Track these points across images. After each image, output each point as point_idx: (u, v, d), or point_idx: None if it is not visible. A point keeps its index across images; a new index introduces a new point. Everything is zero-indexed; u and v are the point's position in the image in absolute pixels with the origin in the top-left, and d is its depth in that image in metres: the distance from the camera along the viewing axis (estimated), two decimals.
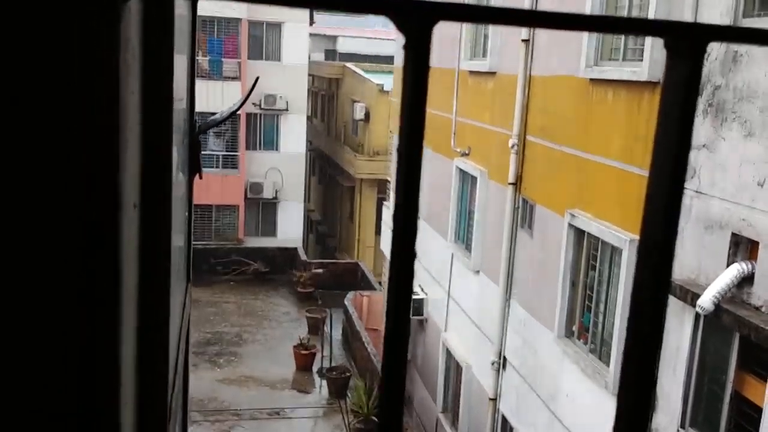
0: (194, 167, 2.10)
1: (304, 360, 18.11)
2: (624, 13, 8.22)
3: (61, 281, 0.54)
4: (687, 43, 0.37)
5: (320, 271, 23.77)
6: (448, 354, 13.34)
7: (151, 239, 0.87)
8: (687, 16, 6.84)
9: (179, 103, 1.50)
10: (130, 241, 0.73)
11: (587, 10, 8.61)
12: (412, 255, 0.39)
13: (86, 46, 0.46)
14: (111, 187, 0.50)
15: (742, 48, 6.19)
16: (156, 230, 0.89)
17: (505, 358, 11.02)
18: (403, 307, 0.40)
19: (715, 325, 6.39)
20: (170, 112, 0.97)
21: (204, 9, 23.82)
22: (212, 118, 2.45)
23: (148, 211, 0.85)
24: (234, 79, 25.34)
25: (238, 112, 25.33)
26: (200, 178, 2.21)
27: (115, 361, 0.61)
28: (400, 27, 0.34)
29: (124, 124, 0.51)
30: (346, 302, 19.67)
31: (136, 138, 0.77)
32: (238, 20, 25.44)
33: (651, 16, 7.36)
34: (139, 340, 0.97)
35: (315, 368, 18.17)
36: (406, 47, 0.35)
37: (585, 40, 8.67)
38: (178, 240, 1.62)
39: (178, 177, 1.51)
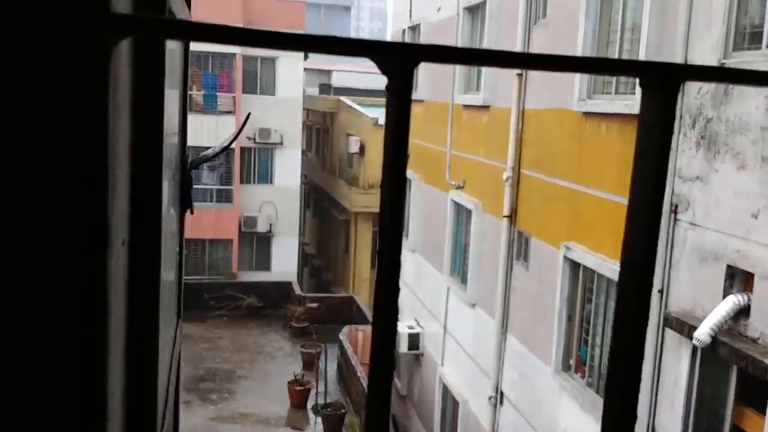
0: (185, 202, 2.09)
1: (298, 396, 17.91)
2: (616, 47, 8.33)
3: (46, 318, 0.53)
4: (661, 82, 0.37)
5: (315, 305, 23.65)
6: (445, 389, 13.22)
7: (140, 275, 0.86)
8: (678, 50, 6.93)
9: (171, 138, 1.50)
10: (118, 277, 0.72)
11: (579, 44, 8.72)
12: (395, 298, 0.38)
13: (76, 87, 0.46)
14: (100, 224, 0.50)
15: None
16: (145, 267, 0.89)
17: (502, 393, 10.92)
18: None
19: (713, 358, 6.36)
20: (160, 150, 0.97)
21: (198, 44, 24.01)
22: (204, 153, 2.45)
23: (137, 248, 0.84)
24: (229, 113, 25.49)
25: (233, 146, 25.42)
26: (191, 213, 2.20)
27: (102, 400, 0.59)
28: (383, 69, 0.33)
29: (113, 162, 0.51)
30: (341, 337, 19.53)
31: (126, 175, 0.77)
32: (232, 55, 25.68)
33: (642, 49, 7.46)
34: (128, 377, 0.95)
35: (310, 405, 17.95)
36: (388, 88, 0.34)
37: (577, 74, 8.77)
38: (168, 276, 1.61)
39: (170, 212, 1.51)
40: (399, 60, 0.33)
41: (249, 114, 3.15)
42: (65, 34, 0.45)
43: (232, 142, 2.59)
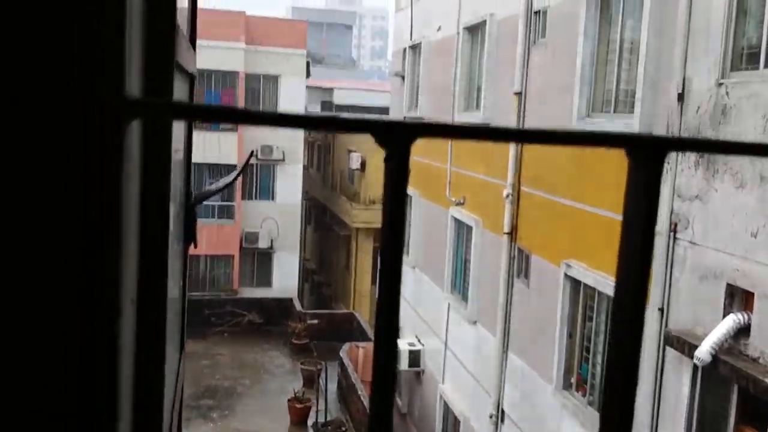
0: (189, 237, 2.12)
1: (298, 414, 17.83)
2: (614, 66, 8.38)
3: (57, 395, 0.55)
4: (647, 153, 0.39)
5: (315, 321, 23.59)
6: (446, 406, 13.17)
7: (146, 333, 0.89)
8: (676, 70, 6.98)
9: (176, 176, 1.53)
10: (127, 333, 0.74)
11: (578, 63, 8.78)
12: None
13: (91, 164, 0.49)
14: (112, 285, 0.52)
15: (731, 100, 6.31)
16: (151, 326, 0.91)
17: (503, 411, 10.88)
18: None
19: (714, 377, 6.35)
20: (167, 211, 1.01)
21: (201, 62, 24.14)
22: (207, 188, 2.48)
23: (144, 305, 0.87)
24: (231, 130, 25.58)
25: (235, 162, 25.49)
26: (195, 247, 2.22)
27: None
28: (382, 143, 0.36)
29: (125, 228, 0.53)
30: (341, 354, 19.48)
31: (135, 236, 0.79)
32: (235, 73, 25.82)
33: (641, 69, 7.51)
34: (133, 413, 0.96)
35: (310, 422, 17.87)
36: (386, 161, 0.37)
37: (576, 92, 8.83)
38: (173, 311, 1.63)
39: (173, 248, 1.53)
40: (397, 136, 0.36)
41: (252, 151, 3.20)
42: (81, 116, 0.48)
43: (235, 179, 2.63)
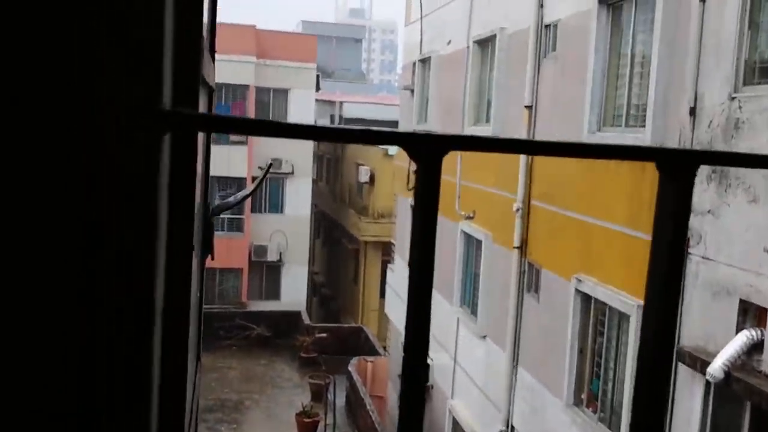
0: (207, 249, 2.12)
1: (306, 428, 17.75)
2: (626, 80, 8.37)
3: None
4: (678, 166, 0.38)
5: (324, 335, 23.54)
6: (455, 422, 13.08)
7: (170, 344, 0.88)
8: (688, 84, 6.95)
9: (196, 192, 1.53)
10: (154, 346, 0.75)
11: (589, 78, 8.77)
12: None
13: (129, 176, 0.49)
14: (147, 295, 0.52)
15: (744, 114, 6.28)
16: (175, 337, 0.91)
17: (513, 427, 10.79)
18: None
19: (726, 394, 6.28)
20: (191, 223, 1.01)
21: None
22: (226, 201, 2.49)
23: (168, 317, 0.87)
24: (241, 143, 25.69)
25: (244, 175, 25.59)
26: (212, 259, 2.22)
27: None
28: (413, 156, 0.35)
29: (157, 238, 0.54)
30: (350, 368, 19.41)
31: (163, 246, 0.80)
32: (245, 86, 25.97)
33: (652, 83, 7.49)
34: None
35: None
36: (417, 172, 0.36)
37: (587, 105, 8.81)
38: (191, 327, 1.63)
39: (193, 260, 1.53)
40: (428, 148, 0.35)
41: (271, 163, 3.21)
42: (120, 127, 0.48)
43: (254, 191, 2.64)
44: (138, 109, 0.47)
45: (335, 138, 0.35)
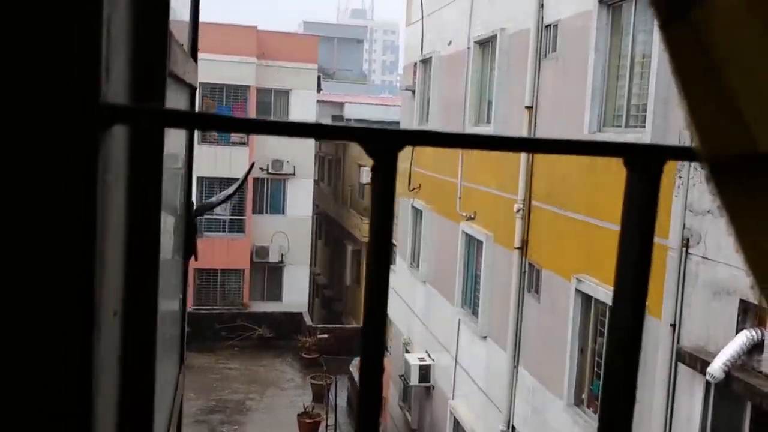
0: (189, 250, 2.12)
1: (308, 429, 17.76)
2: (626, 80, 8.36)
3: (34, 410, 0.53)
4: (645, 161, 0.38)
5: (325, 336, 23.55)
6: (456, 422, 13.07)
7: (133, 349, 0.88)
8: None
9: (175, 188, 1.52)
10: (109, 350, 0.73)
11: (589, 77, 8.77)
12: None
13: (65, 172, 0.48)
14: (87, 295, 0.51)
15: None
16: (139, 342, 0.90)
17: (513, 427, 10.78)
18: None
19: (726, 394, 6.27)
20: (156, 221, 1.00)
21: (213, 77, 24.36)
22: (209, 201, 2.49)
23: (130, 320, 0.86)
24: (242, 144, 25.70)
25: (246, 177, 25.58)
26: (195, 260, 2.22)
27: None
28: (368, 152, 0.35)
29: (106, 237, 0.53)
30: (351, 368, 19.41)
31: (120, 248, 0.79)
32: (246, 87, 25.97)
33: (653, 82, 7.49)
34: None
35: None
36: (373, 169, 0.36)
37: (588, 105, 8.81)
38: (170, 322, 1.62)
39: (171, 265, 1.53)
40: (383, 143, 0.35)
41: (253, 163, 3.20)
42: (58, 123, 0.47)
43: (236, 191, 2.64)
44: (75, 102, 0.46)
45: (285, 132, 0.35)
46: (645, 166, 0.38)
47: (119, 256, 0.78)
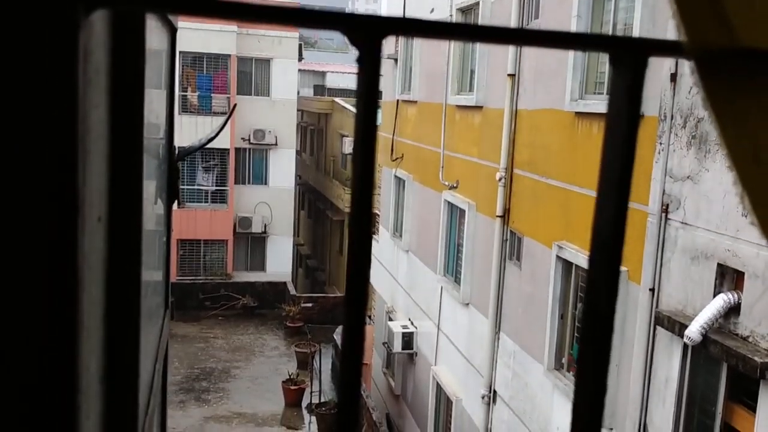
0: (173, 194, 2.11)
1: (293, 395, 17.92)
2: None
3: (17, 300, 0.52)
4: (630, 56, 0.39)
5: (309, 305, 23.65)
6: (438, 388, 13.24)
7: (118, 254, 0.87)
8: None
9: (157, 130, 1.51)
10: (94, 254, 0.73)
11: (570, 53, 8.74)
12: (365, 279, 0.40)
13: (43, 59, 0.47)
14: (70, 197, 0.50)
15: None
16: (124, 245, 0.90)
17: (495, 392, 10.94)
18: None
19: (704, 356, 6.40)
20: (141, 128, 0.99)
21: (193, 46, 24.03)
22: (190, 144, 2.47)
23: (115, 225, 0.85)
24: (223, 114, 25.45)
25: (227, 147, 25.40)
26: (179, 205, 2.22)
27: (73, 390, 0.59)
28: (352, 40, 0.35)
29: (84, 135, 0.52)
30: (335, 336, 19.54)
31: (102, 151, 0.78)
32: (227, 56, 25.65)
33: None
34: (106, 365, 0.94)
35: (304, 404, 17.97)
36: (358, 60, 0.36)
37: (570, 74, 8.81)
38: (153, 264, 1.62)
39: (157, 203, 1.52)
40: (367, 32, 0.35)
41: (235, 105, 3.18)
42: (34, 7, 0.46)
43: (217, 133, 2.62)
44: None
45: (261, 19, 0.35)
46: (630, 60, 0.39)
47: (101, 158, 0.77)
